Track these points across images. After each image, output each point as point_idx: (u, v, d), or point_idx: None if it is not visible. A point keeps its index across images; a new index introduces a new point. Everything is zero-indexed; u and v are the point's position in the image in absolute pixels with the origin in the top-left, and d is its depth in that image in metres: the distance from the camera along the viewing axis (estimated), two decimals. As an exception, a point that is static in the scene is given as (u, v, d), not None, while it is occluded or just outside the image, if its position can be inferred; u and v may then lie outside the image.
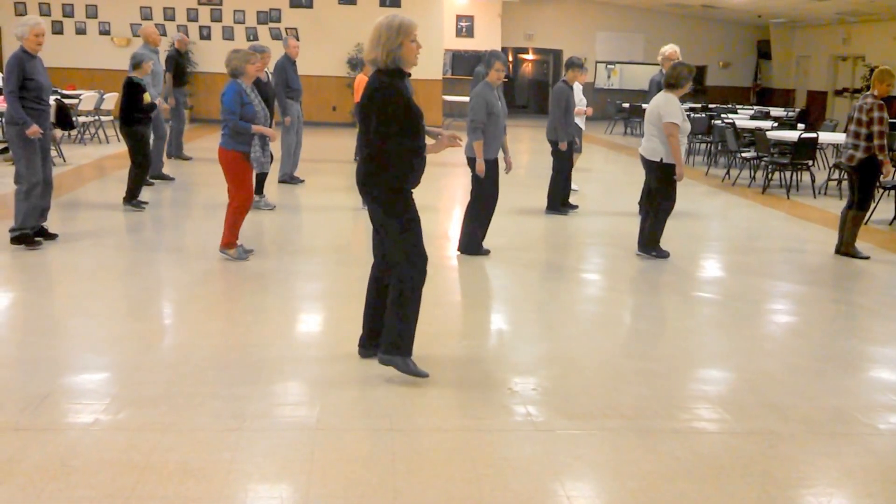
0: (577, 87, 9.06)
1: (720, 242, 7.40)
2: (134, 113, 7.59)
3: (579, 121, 8.99)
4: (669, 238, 6.79)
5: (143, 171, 7.78)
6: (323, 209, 8.17)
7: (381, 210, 3.73)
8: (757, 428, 3.47)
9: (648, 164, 6.41)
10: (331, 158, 11.98)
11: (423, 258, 3.77)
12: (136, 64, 7.70)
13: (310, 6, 16.83)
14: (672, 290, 5.78)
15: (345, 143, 14.46)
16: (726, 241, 7.44)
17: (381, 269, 3.90)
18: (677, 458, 3.17)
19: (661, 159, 6.25)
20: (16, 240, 6.08)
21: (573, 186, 9.74)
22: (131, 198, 7.69)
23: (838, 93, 19.34)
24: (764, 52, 21.55)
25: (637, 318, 5.13)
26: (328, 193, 9.05)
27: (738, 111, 16.12)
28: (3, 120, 6.21)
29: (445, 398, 3.68)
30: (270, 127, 6.22)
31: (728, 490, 2.94)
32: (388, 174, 3.66)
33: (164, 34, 14.58)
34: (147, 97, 7.73)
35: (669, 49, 8.21)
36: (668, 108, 6.19)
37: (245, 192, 5.95)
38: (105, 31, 16.68)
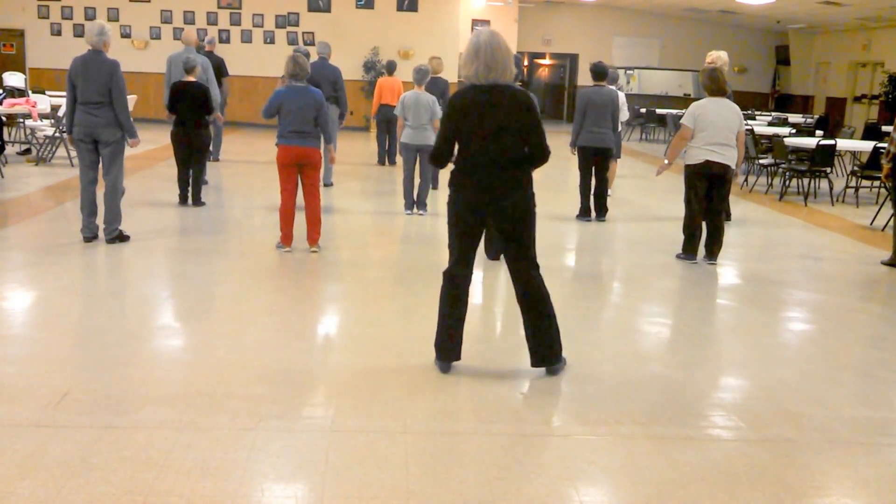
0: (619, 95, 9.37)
1: (736, 249, 7.36)
2: (206, 115, 7.94)
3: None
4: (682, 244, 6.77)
5: (204, 168, 8.39)
6: (349, 212, 8.21)
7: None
8: (772, 436, 3.45)
9: (725, 171, 6.26)
10: (348, 161, 12.03)
11: (450, 263, 3.90)
12: (193, 68, 7.91)
13: (328, 10, 16.94)
14: (688, 296, 5.76)
15: (358, 147, 14.54)
16: (743, 248, 7.40)
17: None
18: (691, 464, 3.16)
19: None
20: (117, 237, 6.40)
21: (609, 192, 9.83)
22: (199, 196, 8.13)
23: (857, 99, 19.18)
24: (782, 57, 21.41)
25: (652, 324, 5.12)
26: (350, 196, 9.10)
27: (756, 117, 16.04)
28: (124, 130, 6.21)
29: (459, 401, 3.69)
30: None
31: (742, 498, 2.93)
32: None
33: (177, 38, 14.76)
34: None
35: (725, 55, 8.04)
36: (741, 115, 6.29)
37: None
38: (126, 35, 16.88)
